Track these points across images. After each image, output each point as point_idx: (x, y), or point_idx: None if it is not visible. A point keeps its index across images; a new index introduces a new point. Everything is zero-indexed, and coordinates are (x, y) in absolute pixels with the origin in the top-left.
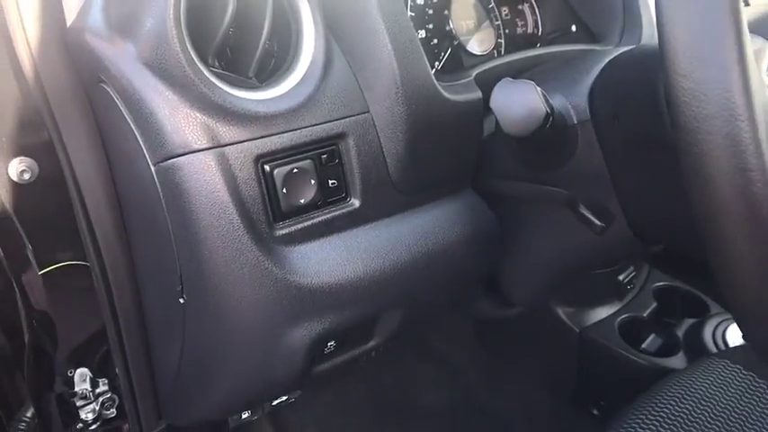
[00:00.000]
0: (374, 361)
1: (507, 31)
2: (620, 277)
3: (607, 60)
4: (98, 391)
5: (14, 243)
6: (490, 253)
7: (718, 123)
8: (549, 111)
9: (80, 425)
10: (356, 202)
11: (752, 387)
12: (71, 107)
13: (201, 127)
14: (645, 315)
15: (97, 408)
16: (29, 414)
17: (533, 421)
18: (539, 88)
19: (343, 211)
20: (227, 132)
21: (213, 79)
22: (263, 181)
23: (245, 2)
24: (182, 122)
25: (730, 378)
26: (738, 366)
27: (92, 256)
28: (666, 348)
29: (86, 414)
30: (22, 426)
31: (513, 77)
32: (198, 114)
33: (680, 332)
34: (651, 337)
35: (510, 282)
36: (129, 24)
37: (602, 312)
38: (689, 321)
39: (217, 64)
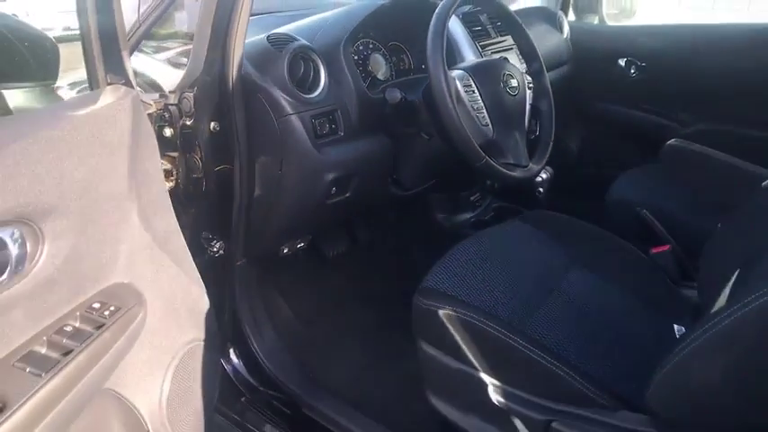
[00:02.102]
0: (331, 268)
1: (395, 68)
2: (472, 198)
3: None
4: (215, 243)
5: (206, 157)
6: (390, 159)
7: (442, 100)
8: (402, 97)
9: (207, 255)
10: (341, 133)
11: (530, 233)
12: (238, 100)
13: (294, 105)
14: (486, 219)
15: (216, 248)
16: None
17: None
18: (399, 89)
19: (337, 136)
20: (301, 108)
21: (298, 90)
22: (312, 124)
23: (306, 68)
24: (287, 104)
25: (519, 229)
26: (528, 225)
27: (237, 163)
28: None
29: (211, 251)
30: None
31: (398, 88)
32: (293, 101)
33: None
34: None
35: (404, 176)
36: (267, 72)
37: (462, 218)
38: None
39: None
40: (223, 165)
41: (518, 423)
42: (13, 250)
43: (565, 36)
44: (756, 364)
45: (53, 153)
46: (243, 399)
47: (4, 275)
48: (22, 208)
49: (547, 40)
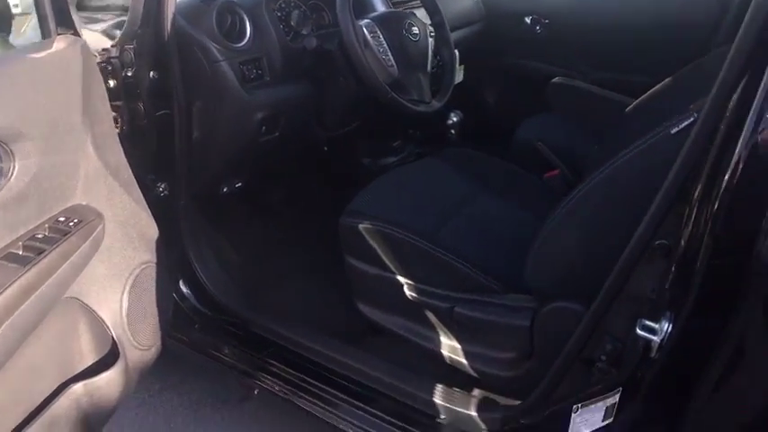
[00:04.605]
0: (270, 214)
1: (316, 24)
2: (394, 145)
3: None
4: (160, 183)
5: (148, 104)
6: (313, 102)
7: (351, 45)
8: (319, 44)
9: (154, 195)
10: (267, 78)
11: (443, 166)
12: (174, 50)
13: (223, 53)
14: (408, 162)
15: (161, 188)
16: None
17: None
18: (316, 39)
19: (263, 81)
20: (230, 55)
21: (226, 40)
22: (240, 70)
23: (233, 20)
24: (217, 52)
25: (433, 163)
26: (441, 159)
27: (176, 107)
28: None
29: (156, 191)
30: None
31: (316, 38)
32: (222, 49)
33: None
34: None
35: (328, 118)
36: (198, 24)
37: (386, 161)
38: None
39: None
40: (163, 110)
41: (428, 313)
42: None
43: None
44: (597, 231)
45: (17, 88)
46: (196, 326)
47: None
48: None
49: (459, 1)
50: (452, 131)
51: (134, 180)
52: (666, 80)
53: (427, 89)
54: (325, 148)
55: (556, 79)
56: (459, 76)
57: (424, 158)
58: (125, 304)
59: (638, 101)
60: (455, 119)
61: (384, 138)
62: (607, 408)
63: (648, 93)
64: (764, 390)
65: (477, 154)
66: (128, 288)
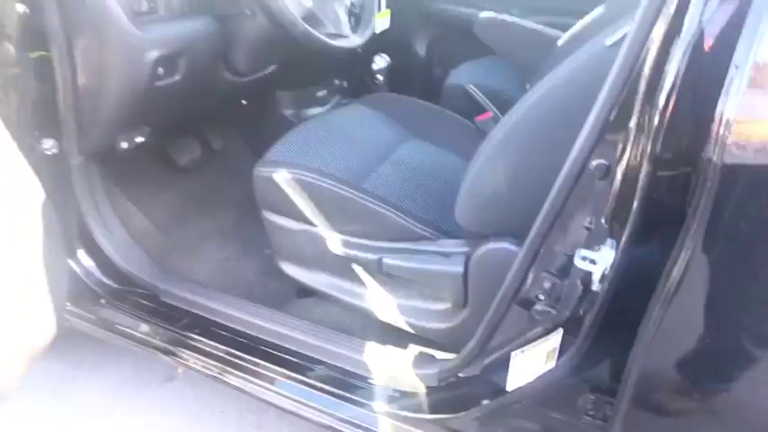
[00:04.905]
0: (185, 175)
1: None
2: (319, 95)
3: None
4: (45, 140)
5: (18, 45)
6: (218, 41)
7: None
8: None
9: (39, 154)
10: (162, 12)
11: (370, 112)
12: None
13: None
14: None
15: (47, 146)
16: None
17: None
18: None
19: (157, 15)
20: None
21: None
22: (129, 1)
23: None
24: None
25: (359, 109)
26: (368, 105)
27: (54, 48)
28: None
29: (42, 149)
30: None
31: None
32: None
33: None
34: None
35: (238, 60)
36: None
37: (311, 112)
38: None
39: None
40: (39, 52)
41: (356, 268)
42: None
43: None
44: (529, 160)
45: None
46: (102, 301)
47: None
48: None
49: None
50: (379, 77)
51: (6, 135)
52: (599, 8)
53: (345, 22)
54: (244, 102)
55: (484, 13)
56: (385, 23)
57: (348, 105)
58: (3, 279)
59: (569, 32)
60: (382, 64)
61: (307, 87)
62: (548, 352)
63: (579, 23)
64: (707, 324)
65: (404, 98)
66: (5, 261)
